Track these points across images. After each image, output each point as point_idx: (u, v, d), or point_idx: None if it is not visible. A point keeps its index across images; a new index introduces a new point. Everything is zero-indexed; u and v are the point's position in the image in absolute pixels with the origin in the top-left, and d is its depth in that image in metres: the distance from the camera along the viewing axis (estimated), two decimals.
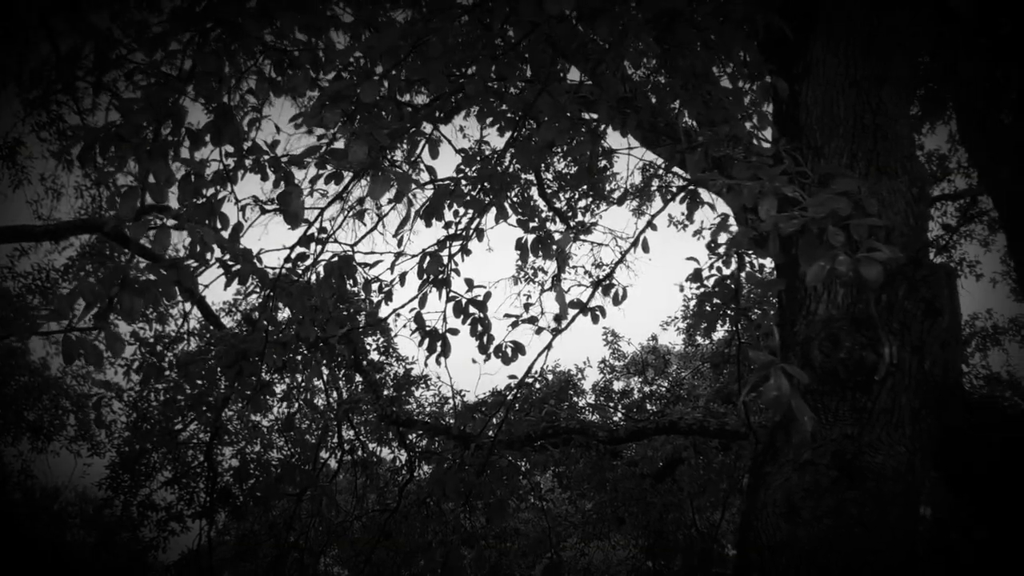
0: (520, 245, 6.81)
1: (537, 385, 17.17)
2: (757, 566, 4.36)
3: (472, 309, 6.67)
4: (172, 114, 3.57)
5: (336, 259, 6.42)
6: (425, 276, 6.54)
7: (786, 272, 5.10)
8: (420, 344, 6.73)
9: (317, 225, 6.21)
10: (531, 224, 6.73)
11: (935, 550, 4.81)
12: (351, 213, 6.49)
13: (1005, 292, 17.49)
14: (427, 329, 6.72)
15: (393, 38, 3.64)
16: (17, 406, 17.36)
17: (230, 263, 5.19)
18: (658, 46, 4.11)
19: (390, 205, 6.99)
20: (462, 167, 6.09)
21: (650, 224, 6.89)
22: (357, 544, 15.08)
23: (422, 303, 6.64)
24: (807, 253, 3.05)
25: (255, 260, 5.63)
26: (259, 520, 15.57)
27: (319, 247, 6.34)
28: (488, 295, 6.69)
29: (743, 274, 5.72)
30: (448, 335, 6.74)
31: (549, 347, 6.97)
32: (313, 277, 6.52)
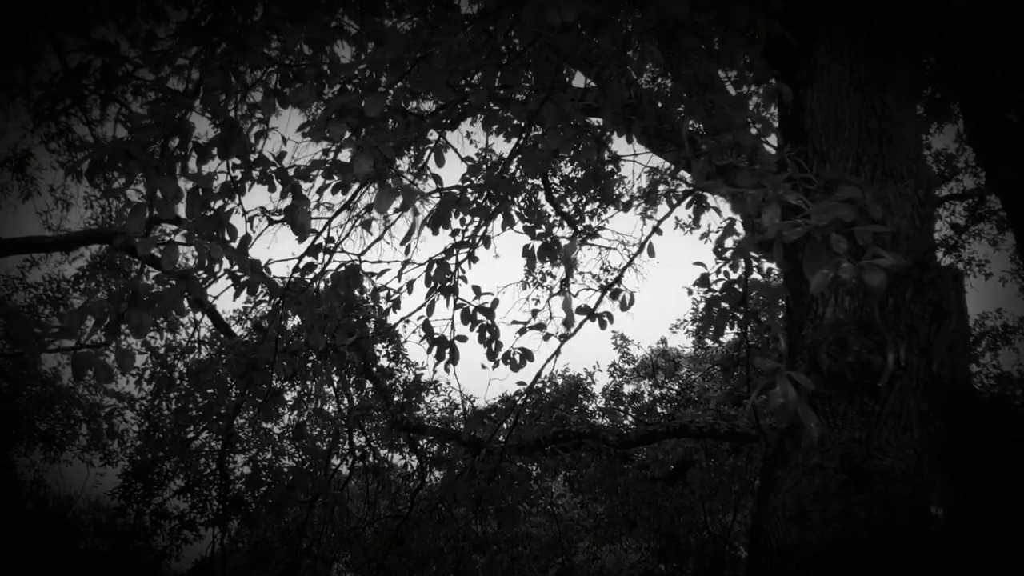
0: (527, 252, 6.81)
1: (547, 390, 17.18)
2: (767, 570, 4.37)
3: (480, 316, 6.68)
4: (179, 130, 3.59)
5: (343, 269, 6.44)
6: (433, 284, 6.55)
7: (793, 277, 5.11)
8: (429, 351, 6.75)
9: (325, 235, 6.24)
10: (538, 231, 6.74)
11: (946, 551, 4.80)
12: (358, 222, 6.51)
13: (1015, 291, 17.47)
14: (435, 336, 6.73)
15: (397, 50, 3.66)
16: (29, 416, 17.40)
17: (238, 274, 5.21)
18: (661, 54, 4.12)
19: (397, 214, 7.02)
20: (468, 176, 6.10)
21: (656, 229, 6.90)
22: (370, 550, 15.07)
23: (430, 311, 6.65)
24: (811, 261, 3.06)
25: (264, 271, 5.66)
26: (272, 527, 15.59)
27: (327, 256, 6.36)
28: (496, 302, 6.70)
29: (750, 279, 5.72)
30: (456, 342, 6.75)
31: (557, 353, 6.99)
32: (322, 285, 6.54)
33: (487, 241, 6.72)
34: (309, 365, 7.73)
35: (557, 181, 14.33)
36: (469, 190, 6.18)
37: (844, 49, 5.27)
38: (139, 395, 16.00)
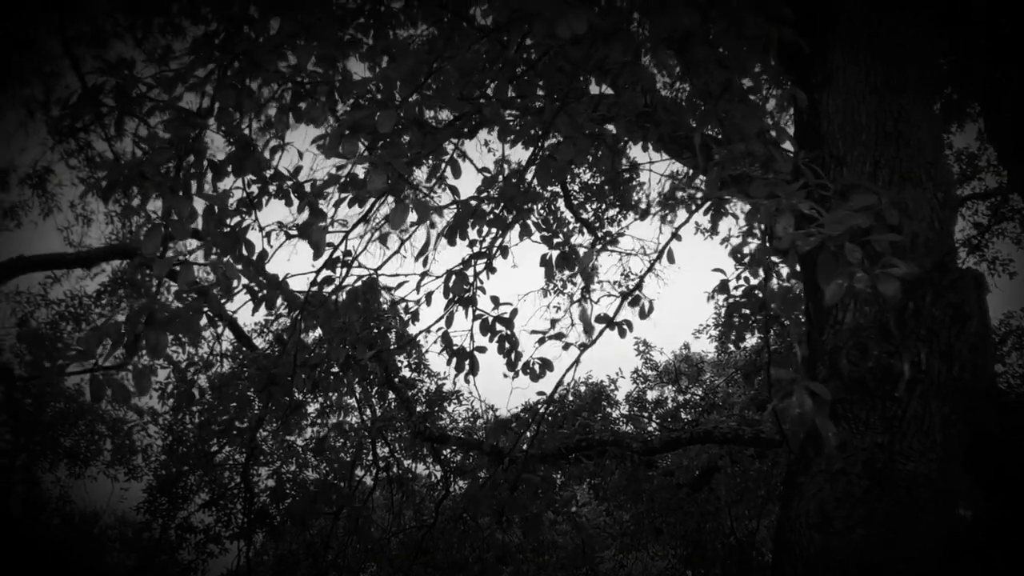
0: (545, 262, 6.81)
1: (570, 397, 17.16)
2: None
3: (499, 327, 6.68)
4: (194, 150, 3.61)
5: (360, 283, 6.45)
6: (451, 295, 6.55)
7: (811, 282, 5.09)
8: (448, 363, 6.75)
9: (342, 248, 6.25)
10: (555, 240, 6.73)
11: (966, 551, 4.76)
12: (375, 236, 6.52)
13: None
14: (455, 348, 6.73)
15: (409, 65, 3.66)
16: (54, 432, 17.47)
17: (256, 289, 5.23)
18: (674, 64, 4.12)
19: (413, 227, 7.02)
20: (484, 189, 6.10)
21: (675, 235, 6.88)
22: (395, 561, 15.08)
23: (449, 322, 6.65)
24: (825, 271, 3.05)
25: (282, 284, 5.68)
26: (297, 540, 15.61)
27: (344, 270, 6.37)
28: (515, 312, 6.69)
29: (770, 285, 5.70)
30: (476, 353, 6.74)
31: (577, 362, 6.97)
32: (343, 296, 6.55)
33: (504, 251, 6.72)
34: (331, 378, 7.74)
35: (576, 188, 14.31)
36: (485, 202, 6.18)
37: (859, 52, 5.25)
38: (162, 410, 16.07)
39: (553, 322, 6.98)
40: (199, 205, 3.82)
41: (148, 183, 3.40)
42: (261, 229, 5.06)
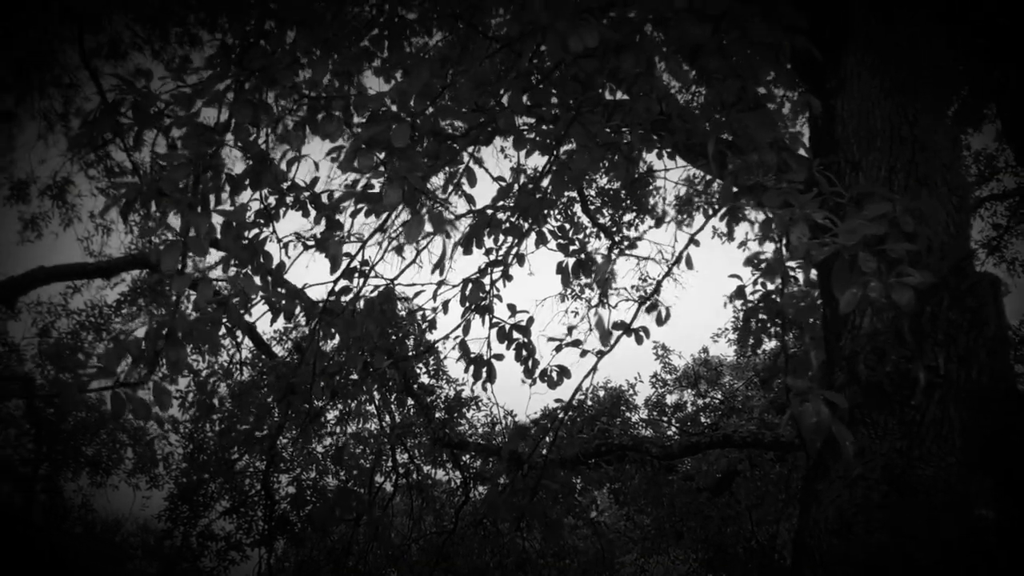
0: (561, 269, 6.82)
1: (588, 402, 17.15)
2: None
3: (516, 334, 6.69)
4: (211, 166, 3.64)
5: (377, 293, 6.48)
6: (468, 304, 6.57)
7: (828, 288, 5.08)
8: (466, 371, 6.76)
9: (359, 258, 6.27)
10: (571, 248, 6.74)
11: (972, 552, 4.74)
12: (391, 246, 6.54)
13: None
14: (472, 356, 6.74)
15: (424, 79, 3.69)
16: (75, 442, 17.55)
17: (274, 301, 5.27)
18: (688, 71, 4.13)
19: (428, 238, 7.04)
20: (499, 199, 6.11)
21: (692, 241, 6.89)
22: (416, 567, 15.11)
23: (466, 330, 6.66)
24: (840, 280, 3.06)
25: (300, 294, 5.72)
26: (318, 546, 15.65)
27: (362, 280, 6.40)
28: (531, 320, 6.70)
29: (787, 291, 5.69)
30: (493, 360, 6.75)
31: (594, 370, 6.98)
32: (360, 304, 6.57)
33: (521, 259, 6.73)
34: (350, 386, 7.77)
35: (593, 193, 14.31)
36: (501, 211, 6.20)
37: (873, 57, 5.25)
38: (182, 418, 16.14)
39: (570, 329, 6.99)
40: (217, 219, 3.85)
41: (167, 199, 3.44)
42: (279, 240, 5.10)
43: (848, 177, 5.02)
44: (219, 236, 4.04)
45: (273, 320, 5.55)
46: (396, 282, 6.68)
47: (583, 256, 6.79)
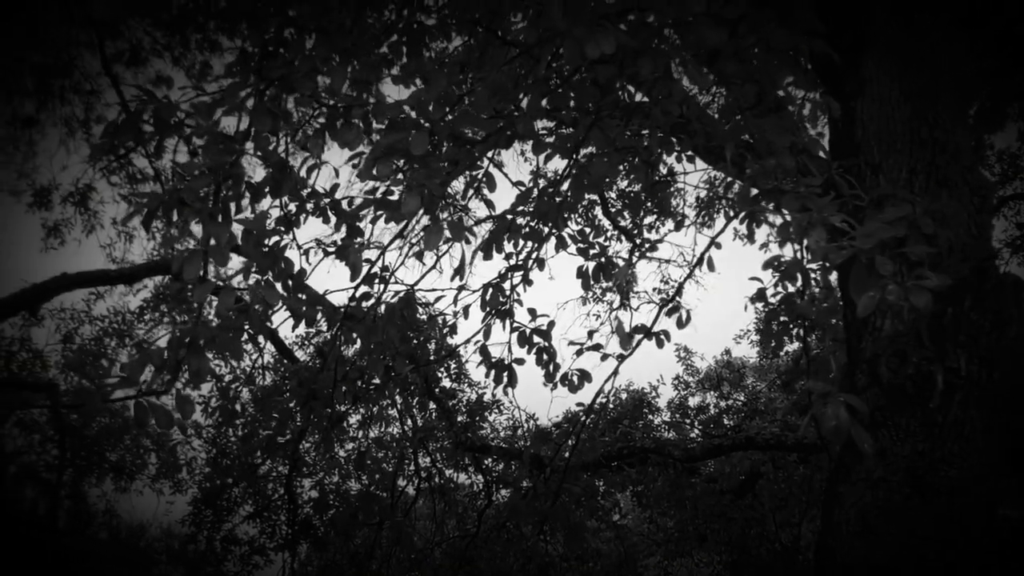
0: (581, 273, 6.82)
1: (611, 405, 17.14)
2: None
3: (536, 338, 6.69)
4: (231, 175, 3.67)
5: (397, 299, 6.49)
6: (488, 308, 6.58)
7: (848, 290, 5.07)
8: (487, 375, 6.76)
9: (379, 264, 6.29)
10: (591, 251, 6.74)
11: (997, 551, 4.72)
12: (411, 252, 6.56)
13: None
14: (493, 360, 6.74)
15: (442, 86, 3.70)
16: (99, 447, 17.66)
17: (296, 308, 5.29)
18: (705, 78, 4.13)
19: (448, 244, 7.06)
20: (519, 204, 6.11)
21: (714, 243, 6.88)
22: (439, 571, 15.12)
23: (487, 334, 6.67)
24: (857, 284, 3.05)
25: (322, 300, 5.75)
26: (341, 550, 15.68)
27: (382, 286, 6.41)
28: (551, 324, 6.70)
29: (806, 294, 5.69)
30: (514, 365, 6.75)
31: (615, 373, 6.99)
32: (381, 309, 6.59)
33: (541, 264, 6.73)
34: (372, 390, 7.78)
35: (613, 195, 14.29)
36: (521, 216, 6.20)
37: (892, 60, 5.23)
38: (205, 423, 16.21)
39: (590, 333, 6.97)
40: (237, 228, 3.87)
41: (188, 209, 3.46)
42: (299, 247, 5.12)
43: (868, 179, 5.01)
44: (240, 243, 4.07)
45: (295, 326, 5.58)
46: (417, 287, 6.69)
47: (603, 260, 6.79)
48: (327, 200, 4.91)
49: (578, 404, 7.74)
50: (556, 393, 6.50)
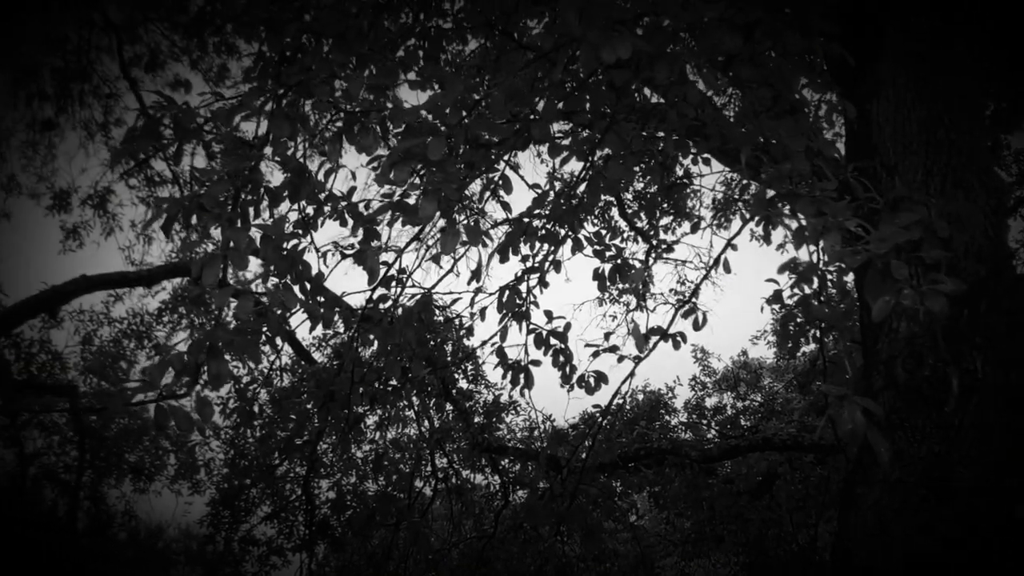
0: (597, 275, 6.83)
1: (627, 406, 17.14)
2: None
3: (553, 340, 6.70)
4: (250, 181, 3.71)
5: (414, 302, 6.52)
6: (505, 311, 6.59)
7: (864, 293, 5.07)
8: (504, 377, 6.77)
9: (396, 266, 6.32)
10: (608, 254, 6.75)
11: (1014, 552, 4.72)
12: (427, 256, 6.59)
13: None
14: (510, 362, 6.75)
15: (458, 91, 3.72)
16: (119, 449, 17.74)
17: (313, 311, 5.31)
18: (720, 82, 4.14)
19: (465, 247, 7.08)
20: (535, 208, 6.13)
21: (730, 245, 6.89)
22: (456, 572, 15.14)
23: (503, 336, 6.68)
24: (872, 288, 3.06)
25: (340, 302, 5.78)
26: (358, 551, 15.71)
27: (399, 288, 6.44)
28: (568, 326, 6.71)
29: (822, 297, 5.68)
30: (531, 367, 6.76)
31: (632, 375, 6.99)
32: (398, 311, 6.61)
33: (557, 266, 6.75)
34: (389, 392, 7.80)
35: (630, 196, 14.29)
36: (537, 218, 6.22)
37: (907, 62, 5.23)
38: (223, 424, 16.26)
39: (607, 335, 6.97)
40: (255, 232, 3.91)
41: (208, 215, 3.50)
42: (317, 250, 5.15)
43: (884, 181, 5.01)
44: (258, 246, 4.10)
45: (312, 328, 5.60)
46: (434, 291, 6.72)
47: (619, 261, 6.79)
48: (344, 204, 4.94)
49: (595, 406, 7.74)
50: (573, 394, 6.46)
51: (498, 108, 3.98)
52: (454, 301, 6.95)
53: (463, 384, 16.22)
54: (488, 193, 5.98)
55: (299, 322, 5.67)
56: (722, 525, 17.04)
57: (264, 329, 3.99)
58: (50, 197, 16.30)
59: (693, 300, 7.23)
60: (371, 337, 6.66)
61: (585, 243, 6.59)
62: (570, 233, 6.43)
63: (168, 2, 14.39)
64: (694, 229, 7.98)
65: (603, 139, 4.62)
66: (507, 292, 6.62)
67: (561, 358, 6.74)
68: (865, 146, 5.26)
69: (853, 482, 4.65)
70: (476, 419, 15.76)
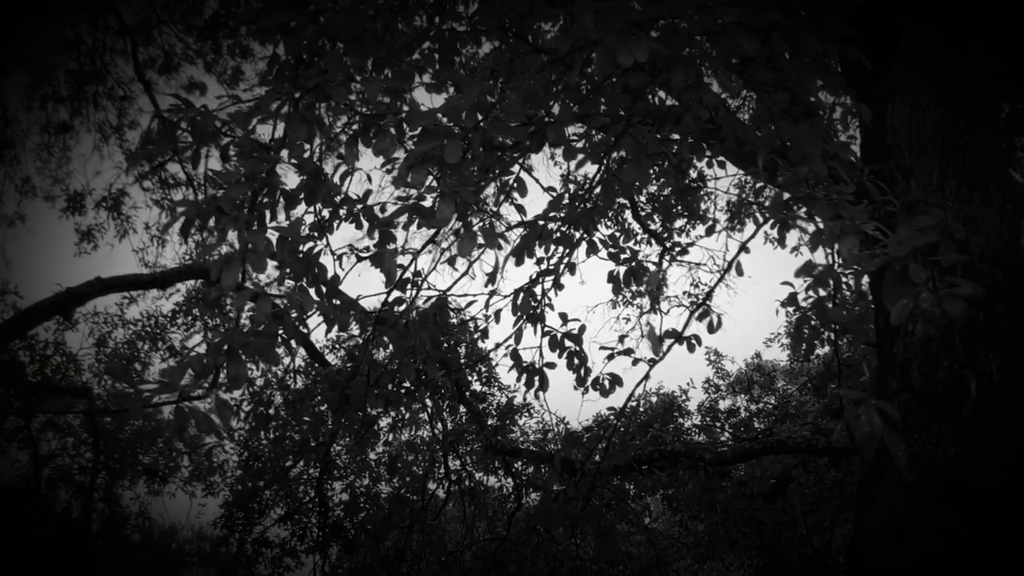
0: (612, 278, 6.83)
1: (641, 409, 17.12)
2: None
3: (568, 343, 6.70)
4: (267, 184, 3.73)
5: (429, 305, 6.53)
6: (519, 313, 6.59)
7: (880, 295, 5.06)
8: (518, 379, 6.77)
9: (412, 269, 6.33)
10: (622, 256, 6.75)
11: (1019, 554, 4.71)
12: (443, 258, 6.61)
13: None
14: (524, 365, 6.75)
15: (474, 94, 3.73)
16: (133, 450, 17.80)
17: (329, 314, 5.33)
18: (736, 85, 4.15)
19: (480, 250, 7.09)
20: (550, 211, 6.13)
21: (744, 248, 6.88)
22: (469, 574, 15.16)
23: (518, 339, 6.68)
24: (890, 292, 3.07)
25: (355, 306, 5.79)
26: (371, 553, 15.74)
27: (414, 291, 6.45)
28: (583, 328, 6.70)
29: (837, 300, 5.67)
30: (545, 369, 6.77)
31: (646, 378, 6.99)
32: (413, 314, 6.62)
33: (572, 268, 6.75)
34: (403, 394, 7.82)
35: (643, 199, 14.28)
36: (552, 221, 6.22)
37: (923, 65, 5.22)
38: (237, 426, 16.31)
39: (621, 338, 6.97)
40: (272, 234, 3.93)
41: (226, 218, 3.52)
42: (332, 253, 5.17)
43: (900, 183, 5.00)
44: (275, 249, 4.12)
45: (328, 331, 5.62)
46: (449, 293, 6.72)
47: (634, 264, 6.79)
48: (360, 206, 4.95)
49: (609, 408, 7.75)
50: (587, 396, 6.48)
51: (514, 111, 3.99)
52: (469, 304, 6.95)
53: (476, 386, 16.23)
54: (503, 196, 5.98)
55: (315, 325, 5.68)
56: (736, 528, 16.99)
57: (280, 331, 4.01)
58: (65, 199, 16.39)
59: (707, 303, 7.23)
60: (385, 340, 6.67)
61: (600, 245, 6.59)
62: (585, 236, 6.44)
63: (183, 5, 14.47)
64: (709, 232, 7.98)
65: (619, 142, 4.62)
66: (522, 294, 6.62)
67: (576, 361, 6.74)
68: (880, 149, 5.25)
69: (868, 485, 4.64)
70: (490, 421, 15.77)
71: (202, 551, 20.36)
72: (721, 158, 5.81)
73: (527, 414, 16.61)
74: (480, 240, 3.97)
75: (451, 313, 6.46)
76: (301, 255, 4.49)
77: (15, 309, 15.48)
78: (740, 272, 6.71)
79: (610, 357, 6.84)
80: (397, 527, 14.70)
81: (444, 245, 7.05)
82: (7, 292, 15.89)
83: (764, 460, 16.40)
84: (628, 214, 14.03)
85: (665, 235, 14.10)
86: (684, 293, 15.64)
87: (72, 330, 16.94)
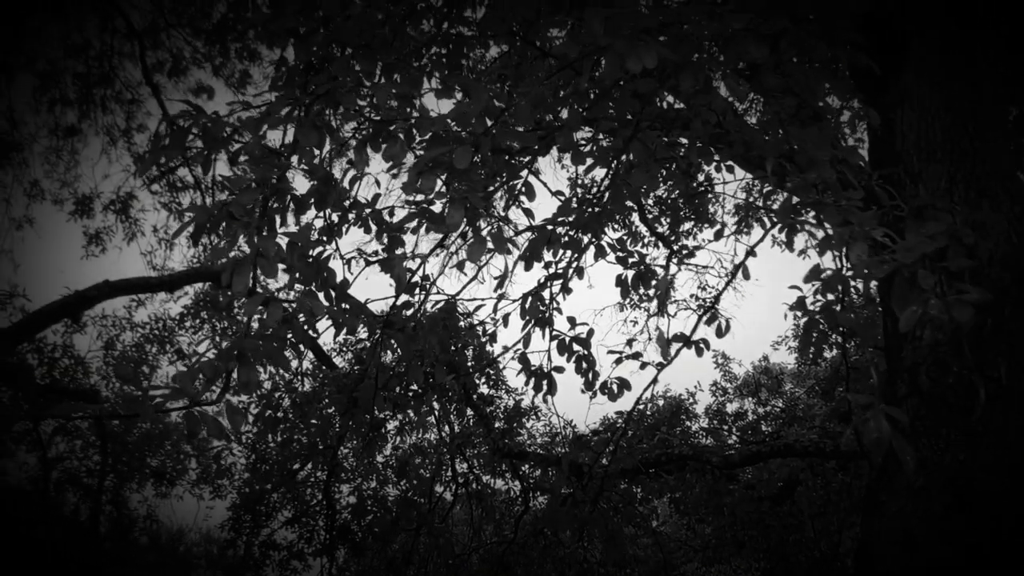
0: (620, 282, 6.83)
1: (648, 412, 17.10)
2: None
3: (576, 347, 6.70)
4: (279, 190, 3.74)
5: (438, 309, 6.54)
6: (528, 317, 6.60)
7: (889, 300, 5.07)
8: (527, 383, 6.78)
9: (420, 273, 6.34)
10: (630, 260, 6.75)
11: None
12: (451, 262, 6.62)
13: None
14: (532, 368, 6.76)
15: (483, 100, 3.74)
16: (141, 453, 17.81)
17: (338, 317, 5.34)
18: (744, 91, 4.15)
19: (489, 255, 7.10)
20: (559, 215, 6.13)
21: (751, 252, 6.88)
22: None
23: (526, 343, 6.69)
24: (899, 298, 3.07)
25: (364, 309, 5.80)
26: (379, 555, 15.75)
27: (423, 294, 6.46)
28: (591, 332, 6.70)
29: (846, 306, 5.67)
30: (553, 373, 6.77)
31: (655, 381, 7.00)
32: (422, 318, 6.63)
33: (580, 272, 6.75)
34: (411, 397, 7.83)
35: (651, 202, 14.29)
36: (560, 227, 6.23)
37: (932, 70, 5.22)
38: (245, 429, 16.32)
39: (629, 342, 6.97)
40: (282, 239, 3.95)
41: (236, 223, 3.53)
42: (342, 257, 5.19)
43: (908, 188, 5.01)
44: (285, 255, 4.13)
45: (337, 335, 5.63)
46: (458, 297, 6.73)
47: (642, 268, 6.79)
48: (368, 211, 4.97)
49: (617, 412, 7.77)
50: (595, 399, 6.48)
51: (523, 116, 4.00)
52: (477, 308, 6.96)
53: (484, 389, 16.23)
54: (511, 201, 5.99)
55: (324, 329, 5.70)
56: (743, 531, 16.97)
57: (289, 335, 4.02)
58: (73, 203, 16.45)
59: (715, 307, 7.23)
60: (393, 343, 6.68)
61: (608, 249, 6.60)
62: (593, 240, 6.44)
63: (191, 9, 14.51)
64: (718, 236, 7.96)
65: (628, 146, 4.63)
66: (530, 299, 6.63)
67: (584, 364, 6.75)
68: (889, 153, 5.25)
69: (877, 489, 4.64)
70: (497, 424, 15.77)
71: (210, 554, 20.40)
72: (729, 162, 5.81)
73: (535, 417, 16.61)
74: (489, 245, 3.98)
75: (459, 317, 6.46)
76: (311, 260, 4.50)
77: (23, 312, 15.53)
78: (746, 276, 6.71)
79: (618, 361, 6.84)
80: (404, 530, 14.71)
81: (453, 249, 7.05)
82: (16, 295, 15.93)
83: (771, 463, 16.38)
84: (636, 217, 14.03)
85: (672, 238, 14.10)
86: (692, 296, 15.63)
87: (80, 333, 16.99)
